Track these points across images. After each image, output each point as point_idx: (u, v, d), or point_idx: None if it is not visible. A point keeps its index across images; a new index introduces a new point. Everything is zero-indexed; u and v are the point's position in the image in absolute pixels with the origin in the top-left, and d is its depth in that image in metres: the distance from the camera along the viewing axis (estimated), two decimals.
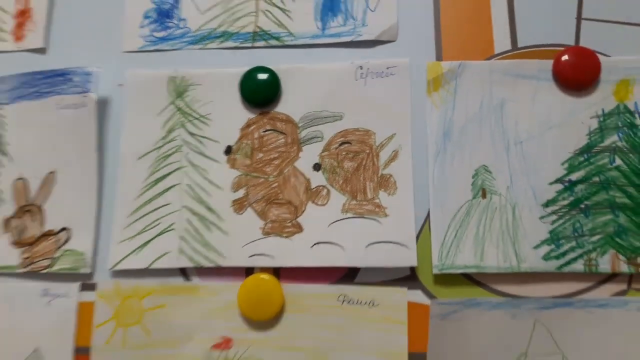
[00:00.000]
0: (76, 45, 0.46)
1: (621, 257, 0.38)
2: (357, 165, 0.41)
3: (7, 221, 0.43)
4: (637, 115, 0.40)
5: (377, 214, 0.40)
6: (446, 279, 0.39)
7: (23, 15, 0.47)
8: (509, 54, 0.42)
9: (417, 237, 0.39)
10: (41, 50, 0.46)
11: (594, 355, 0.37)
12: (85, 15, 0.46)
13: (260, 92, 0.42)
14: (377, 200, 0.40)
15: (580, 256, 0.38)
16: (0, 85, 0.45)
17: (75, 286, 0.41)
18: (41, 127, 0.44)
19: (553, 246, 0.38)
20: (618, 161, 0.40)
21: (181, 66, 0.44)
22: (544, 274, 0.38)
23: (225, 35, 0.44)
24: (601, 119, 0.40)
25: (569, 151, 0.40)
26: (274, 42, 0.44)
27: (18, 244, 0.42)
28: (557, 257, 0.38)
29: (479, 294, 0.38)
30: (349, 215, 0.40)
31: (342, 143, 0.41)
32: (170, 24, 0.45)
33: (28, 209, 0.43)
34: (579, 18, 0.43)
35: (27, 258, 0.42)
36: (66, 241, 0.41)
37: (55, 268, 0.41)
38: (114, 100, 0.44)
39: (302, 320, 0.39)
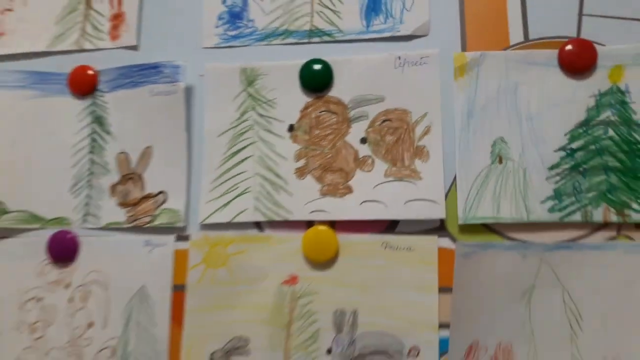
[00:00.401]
0: (162, 43, 0.55)
1: (611, 209, 0.47)
2: (397, 139, 0.50)
3: (113, 187, 0.53)
4: (627, 95, 0.48)
5: (413, 177, 0.49)
6: (468, 228, 0.48)
7: (117, 19, 0.57)
8: (522, 44, 0.51)
9: (446, 196, 0.48)
10: (134, 48, 0.56)
11: (588, 287, 0.46)
12: (169, 18, 0.56)
13: (316, 80, 0.52)
14: (413, 167, 0.49)
15: (579, 209, 0.47)
16: (101, 77, 0.55)
17: (171, 237, 0.51)
18: (138, 111, 0.54)
19: (556, 201, 0.47)
20: (611, 132, 0.48)
21: (250, 59, 0.53)
22: (548, 223, 0.47)
23: (286, 33, 0.54)
24: (597, 97, 0.49)
25: (571, 124, 0.48)
26: (326, 38, 0.53)
27: (123, 204, 0.53)
28: (559, 210, 0.47)
29: (495, 239, 0.48)
30: (390, 179, 0.49)
31: (384, 120, 0.51)
32: (240, 24, 0.54)
33: (130, 177, 0.53)
34: (580, 14, 0.51)
35: (132, 216, 0.52)
36: (163, 202, 0.52)
37: (156, 223, 0.51)
38: (196, 88, 0.54)
39: (353, 262, 0.49)
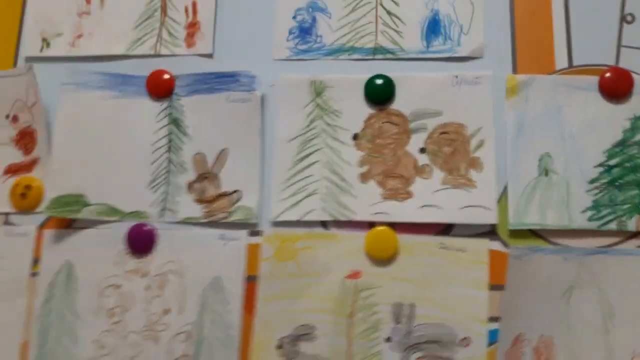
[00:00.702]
0: (236, 53, 0.60)
1: None
2: (453, 150, 0.55)
3: (190, 185, 0.58)
4: None
5: (468, 185, 0.54)
6: (517, 233, 0.53)
7: (193, 27, 0.61)
8: (566, 70, 0.56)
9: (498, 203, 0.54)
10: (208, 55, 0.61)
11: (621, 288, 0.52)
12: (242, 29, 0.60)
13: (379, 93, 0.57)
14: (468, 176, 0.55)
15: (614, 219, 0.53)
16: (178, 81, 0.60)
17: (244, 232, 0.56)
18: (214, 115, 0.58)
19: (595, 211, 0.53)
20: None
21: (318, 72, 0.58)
22: (587, 230, 0.53)
23: (352, 50, 0.59)
24: (633, 120, 0.55)
25: (609, 144, 0.54)
26: (389, 56, 0.58)
27: (199, 201, 0.57)
28: (597, 219, 0.53)
29: (541, 243, 0.53)
30: (447, 186, 0.55)
31: (442, 133, 0.56)
32: (309, 39, 0.59)
33: (206, 176, 0.58)
34: (618, 45, 0.57)
35: (208, 212, 0.57)
36: (238, 200, 0.57)
37: (230, 219, 0.56)
38: (267, 97, 0.59)
39: (411, 260, 0.54)
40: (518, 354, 0.52)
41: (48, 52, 0.63)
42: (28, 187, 0.59)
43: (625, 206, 0.53)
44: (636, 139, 0.54)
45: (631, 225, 0.53)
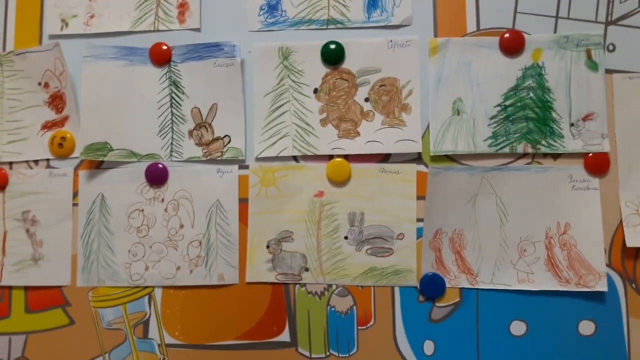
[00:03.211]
0: (219, 27, 0.75)
1: (529, 145, 0.72)
2: (390, 99, 0.73)
3: (190, 132, 0.75)
4: (542, 69, 0.72)
5: (401, 125, 0.73)
6: (436, 158, 0.72)
7: (183, 7, 0.77)
8: (475, 33, 0.74)
9: (422, 137, 0.73)
10: (197, 30, 0.76)
11: (512, 194, 0.71)
12: (223, 7, 0.76)
13: (332, 56, 0.74)
14: (400, 118, 0.73)
15: (507, 145, 0.72)
16: (174, 51, 0.76)
17: (235, 167, 0.74)
18: (205, 78, 0.75)
19: (493, 140, 0.72)
20: (531, 94, 0.72)
21: (285, 40, 0.75)
22: (488, 154, 0.72)
23: (310, 21, 0.75)
24: (524, 70, 0.72)
25: (505, 89, 0.72)
26: (339, 26, 0.75)
27: (199, 144, 0.75)
28: (495, 146, 0.72)
29: (453, 164, 0.73)
30: (385, 126, 0.73)
31: (381, 85, 0.74)
32: (276, 14, 0.75)
33: (202, 125, 0.75)
34: (515, 12, 0.74)
35: (206, 152, 0.74)
36: (228, 143, 0.74)
37: (224, 157, 0.74)
38: (245, 61, 0.75)
39: (360, 181, 0.73)
40: (438, 243, 0.72)
41: (67, 31, 0.78)
42: (63, 138, 0.76)
43: (516, 135, 0.72)
44: (526, 84, 0.73)
45: (520, 149, 0.72)
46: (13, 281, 0.76)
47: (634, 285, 0.71)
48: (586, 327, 0.71)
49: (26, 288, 0.76)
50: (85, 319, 0.75)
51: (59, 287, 0.75)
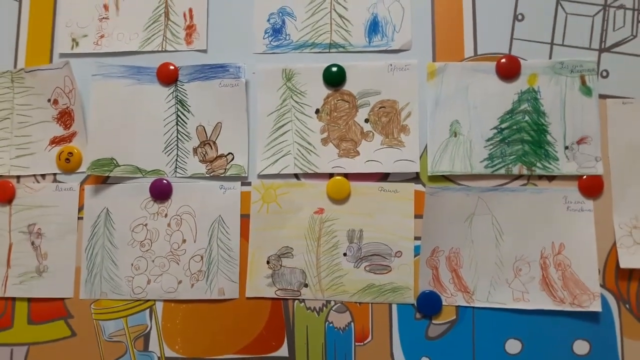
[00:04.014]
0: (225, 49, 0.78)
1: (524, 167, 0.74)
2: (389, 120, 0.75)
3: (195, 149, 0.77)
4: (538, 93, 0.74)
5: (399, 145, 0.75)
6: (433, 178, 0.74)
7: (190, 28, 0.79)
8: (472, 58, 0.76)
9: (420, 157, 0.75)
10: (203, 51, 0.79)
11: (507, 214, 0.73)
12: (229, 29, 0.79)
13: (334, 78, 0.76)
14: (399, 138, 0.75)
15: (503, 166, 0.74)
16: (181, 71, 0.78)
17: (238, 183, 0.76)
18: (210, 97, 0.77)
19: (490, 161, 0.74)
20: (527, 117, 0.74)
21: (288, 62, 0.77)
22: (484, 175, 0.74)
23: (313, 45, 0.78)
24: (520, 94, 0.75)
25: (501, 112, 0.74)
26: (341, 49, 0.77)
27: (203, 161, 0.77)
28: (491, 167, 0.74)
29: (450, 185, 0.74)
30: (384, 146, 0.75)
31: (380, 107, 0.76)
32: (280, 37, 0.78)
33: (207, 142, 0.77)
34: (511, 38, 0.77)
35: (210, 169, 0.76)
36: (231, 160, 0.76)
37: (227, 174, 0.76)
38: (250, 82, 0.78)
39: (360, 199, 0.75)
40: (435, 261, 0.74)
41: (77, 50, 0.80)
42: (70, 153, 0.78)
43: (512, 157, 0.74)
44: (522, 108, 0.75)
45: (515, 170, 0.74)
46: (17, 292, 0.77)
47: (627, 305, 0.72)
48: (581, 347, 0.72)
49: (29, 299, 0.77)
50: (87, 331, 0.76)
51: (62, 299, 0.77)
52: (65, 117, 0.79)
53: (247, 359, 0.74)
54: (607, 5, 0.76)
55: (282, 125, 0.76)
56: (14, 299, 0.77)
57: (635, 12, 0.76)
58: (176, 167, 0.77)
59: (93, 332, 0.76)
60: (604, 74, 0.75)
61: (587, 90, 0.74)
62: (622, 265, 0.71)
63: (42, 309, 0.77)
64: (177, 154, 0.77)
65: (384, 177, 0.75)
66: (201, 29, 0.79)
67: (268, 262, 0.75)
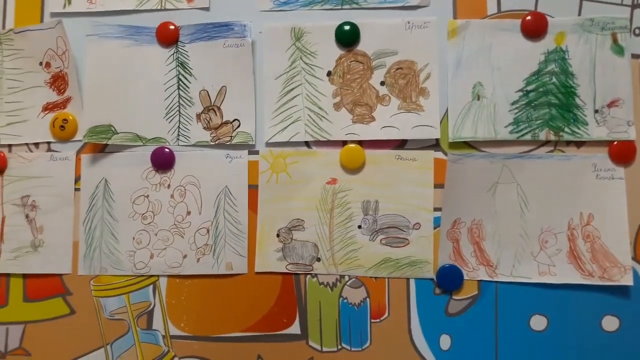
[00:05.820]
0: (229, 6, 0.72)
1: (551, 132, 0.69)
2: (406, 82, 0.70)
3: (198, 115, 0.72)
4: (566, 53, 0.70)
5: (418, 110, 0.70)
6: (455, 145, 0.70)
7: None
8: (496, 15, 0.71)
9: (440, 122, 0.70)
10: (206, 9, 0.73)
11: (533, 183, 0.69)
12: None
13: (347, 37, 0.71)
14: (418, 102, 0.70)
15: (529, 132, 0.69)
16: (182, 31, 0.73)
17: (245, 152, 0.71)
18: (214, 59, 0.72)
19: (515, 126, 0.69)
20: (554, 79, 0.69)
21: (297, 21, 0.72)
22: (509, 141, 0.69)
23: (324, 1, 0.72)
24: (547, 54, 0.70)
25: (527, 73, 0.69)
26: (354, 6, 0.72)
27: (207, 128, 0.72)
28: (517, 132, 0.69)
29: (473, 151, 0.70)
30: (402, 111, 0.70)
31: (397, 68, 0.71)
32: None
33: (211, 108, 0.72)
34: None
35: (214, 136, 0.71)
36: (238, 127, 0.71)
37: (234, 142, 0.71)
38: (256, 42, 0.72)
39: (375, 168, 0.70)
40: (457, 233, 0.69)
41: (70, 8, 0.74)
42: (65, 120, 0.73)
43: (538, 122, 0.69)
44: (549, 69, 0.70)
45: (542, 136, 0.69)
46: (11, 269, 0.73)
47: None
48: (610, 323, 0.68)
49: (25, 276, 0.73)
50: (87, 308, 0.72)
51: (60, 275, 0.72)
52: (58, 82, 0.74)
53: (257, 336, 0.70)
54: None
55: (292, 89, 0.71)
56: (8, 275, 0.73)
57: None
58: (178, 135, 0.72)
59: (93, 309, 0.72)
60: (637, 31, 0.70)
61: (618, 50, 0.69)
62: None
63: (38, 286, 0.72)
64: (179, 121, 0.72)
65: (401, 144, 0.70)
66: None
67: (278, 235, 0.70)
